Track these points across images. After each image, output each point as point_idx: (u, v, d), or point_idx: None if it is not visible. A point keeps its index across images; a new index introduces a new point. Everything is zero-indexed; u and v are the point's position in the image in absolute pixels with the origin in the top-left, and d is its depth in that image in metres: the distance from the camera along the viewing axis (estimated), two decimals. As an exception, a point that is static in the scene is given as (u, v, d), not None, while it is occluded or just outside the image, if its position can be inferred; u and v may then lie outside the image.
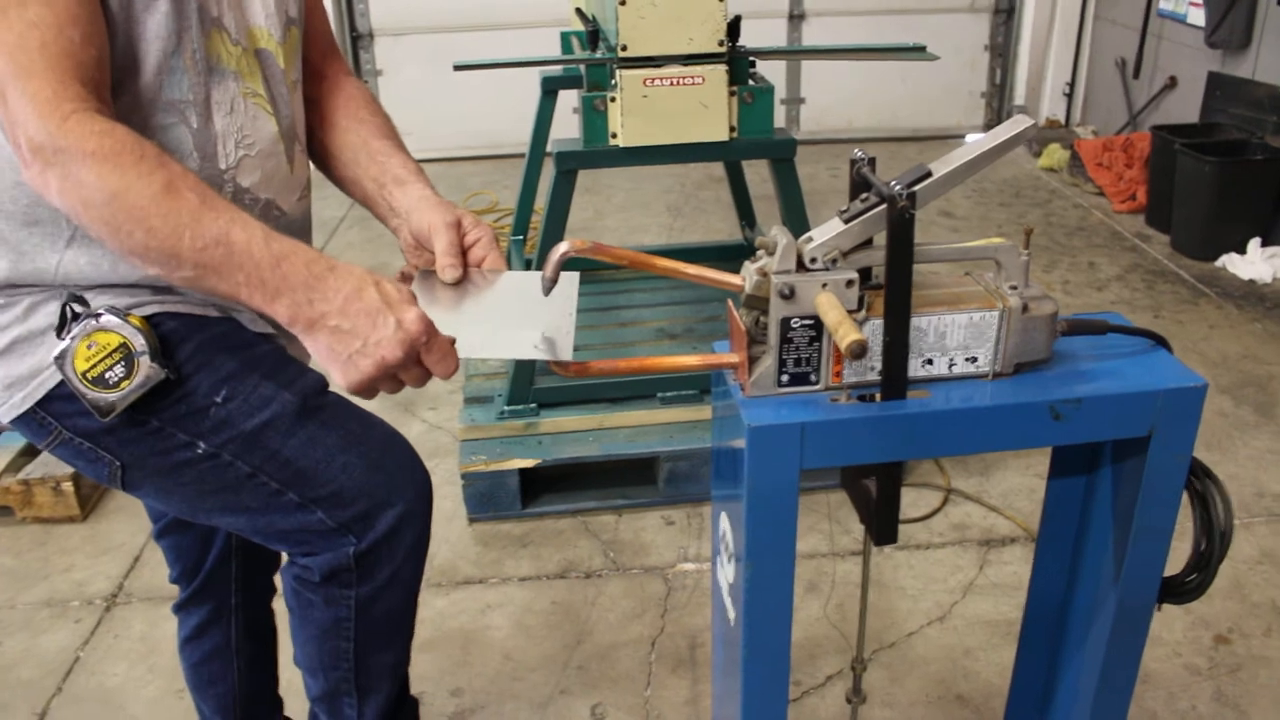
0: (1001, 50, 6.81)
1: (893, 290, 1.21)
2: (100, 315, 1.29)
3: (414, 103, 6.39)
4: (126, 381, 1.30)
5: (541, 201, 4.07)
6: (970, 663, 2.51)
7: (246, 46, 1.39)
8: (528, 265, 3.79)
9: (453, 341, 1.25)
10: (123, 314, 1.30)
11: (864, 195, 1.26)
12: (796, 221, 2.97)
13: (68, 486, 3.06)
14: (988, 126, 6.96)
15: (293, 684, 1.87)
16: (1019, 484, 3.20)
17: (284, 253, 1.19)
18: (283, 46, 1.46)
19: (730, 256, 3.88)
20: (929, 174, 1.25)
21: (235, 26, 1.37)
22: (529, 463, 2.99)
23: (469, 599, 2.77)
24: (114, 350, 1.29)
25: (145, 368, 1.30)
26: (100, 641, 2.66)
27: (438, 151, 6.43)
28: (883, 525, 1.40)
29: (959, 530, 3.00)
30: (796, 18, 6.57)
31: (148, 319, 1.34)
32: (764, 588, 1.31)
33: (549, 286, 1.27)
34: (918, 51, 3.07)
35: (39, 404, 1.36)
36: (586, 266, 3.76)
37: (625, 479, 3.12)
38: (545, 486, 3.12)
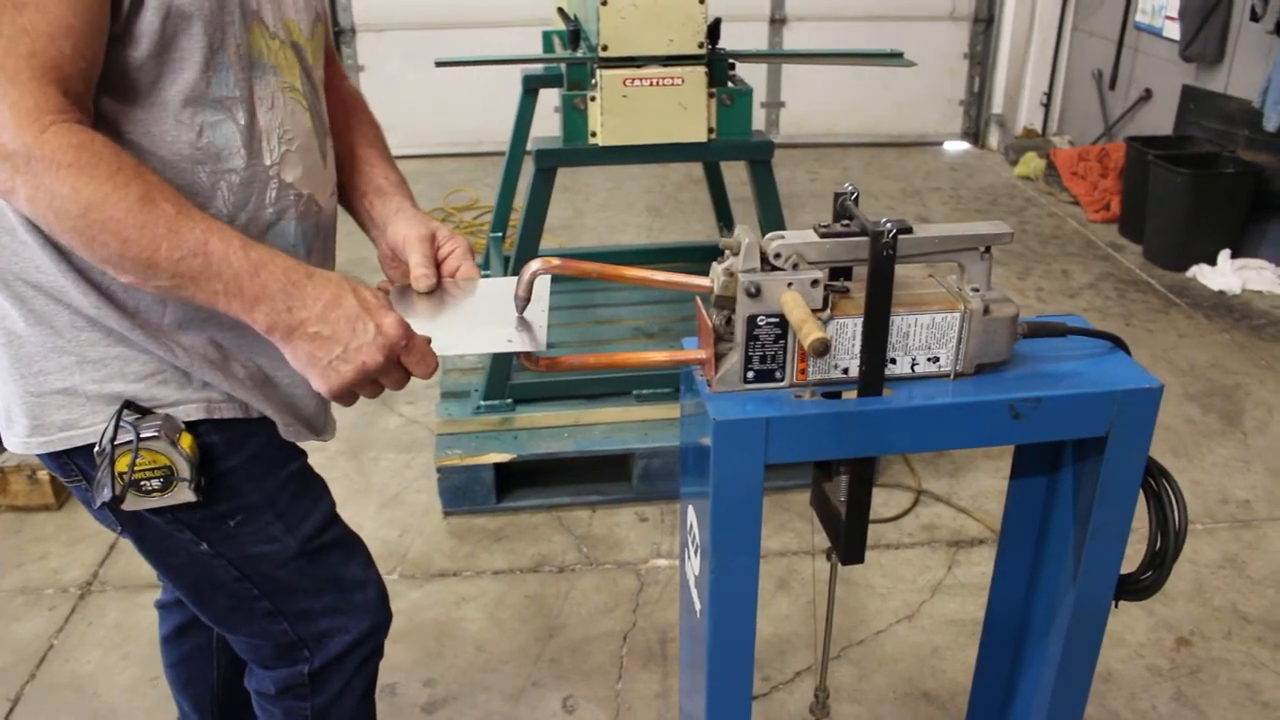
0: (980, 59, 6.87)
1: (871, 320, 1.25)
2: (155, 438, 1.31)
3: (395, 99, 6.40)
4: (159, 495, 1.34)
5: (521, 199, 4.10)
6: (937, 661, 2.54)
7: (284, 40, 1.38)
8: (506, 261, 3.81)
9: (429, 341, 1.27)
10: (176, 436, 1.33)
11: (845, 222, 1.29)
12: (773, 223, 3.00)
13: (43, 475, 3.06)
14: (966, 134, 7.03)
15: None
16: (989, 486, 3.24)
17: (262, 261, 1.20)
18: (311, 42, 1.46)
19: (709, 257, 3.88)
20: (911, 229, 1.28)
21: (273, 20, 1.36)
22: (504, 457, 3.01)
23: (443, 591, 2.79)
24: (158, 468, 1.33)
25: (181, 491, 1.35)
26: (74, 629, 2.67)
27: (418, 148, 6.44)
28: (850, 546, 1.43)
29: (929, 531, 3.04)
30: (778, 22, 6.62)
31: (193, 425, 1.37)
32: (729, 581, 1.34)
33: (522, 305, 1.31)
34: (895, 58, 3.11)
35: (65, 452, 1.39)
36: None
37: (600, 475, 3.15)
38: (520, 481, 3.15)
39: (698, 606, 1.45)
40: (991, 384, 1.34)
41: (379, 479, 3.29)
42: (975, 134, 7.02)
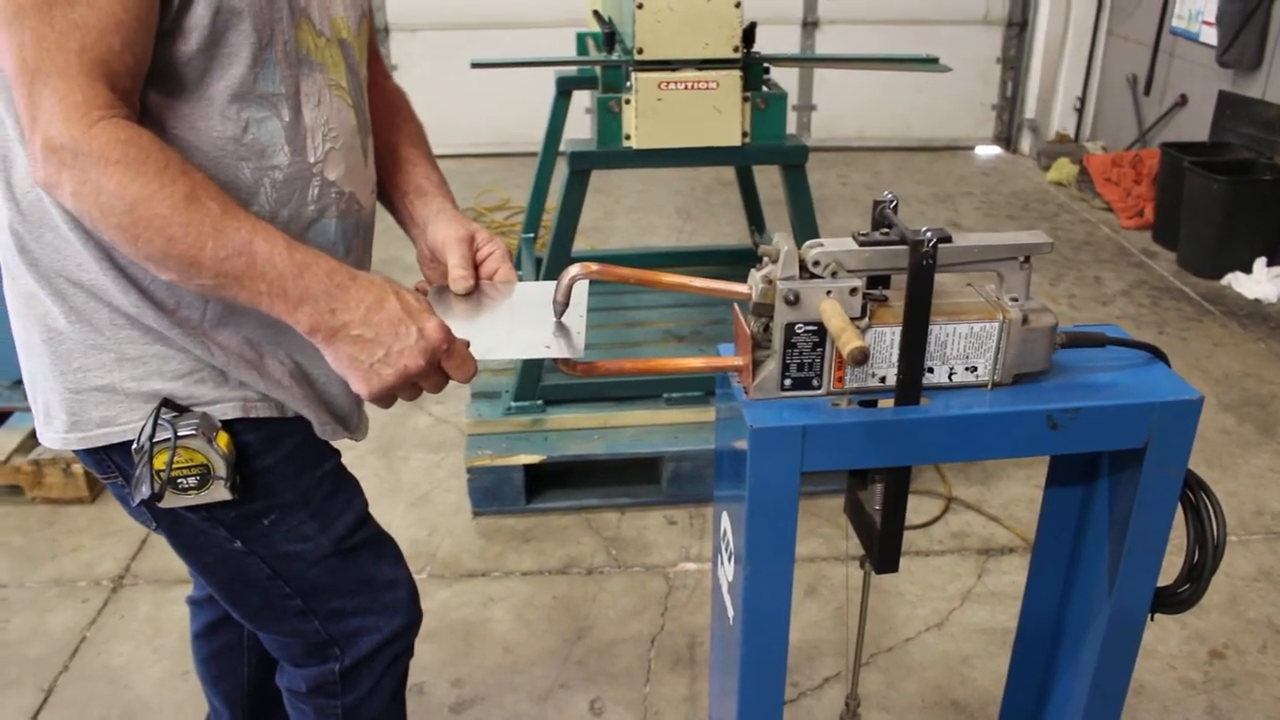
0: (1013, 63, 6.83)
1: (910, 330, 1.24)
2: (193, 436, 1.32)
3: (427, 99, 6.33)
4: (195, 493, 1.35)
5: (553, 200, 4.11)
6: (967, 670, 2.53)
7: (330, 37, 1.38)
8: (538, 263, 3.81)
9: (468, 345, 1.28)
10: (213, 434, 1.34)
11: (884, 230, 1.29)
12: (806, 228, 2.99)
13: (77, 468, 3.09)
14: (998, 139, 6.99)
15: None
16: (1019, 494, 3.22)
17: (306, 262, 1.20)
18: (358, 39, 1.45)
19: (739, 261, 3.91)
20: (950, 239, 1.27)
21: (320, 17, 1.36)
22: (534, 459, 3.02)
23: (471, 591, 2.80)
24: (195, 466, 1.34)
25: (217, 489, 1.36)
26: (106, 621, 2.70)
27: (450, 148, 6.46)
28: (884, 554, 1.43)
29: (959, 539, 3.02)
30: (810, 25, 6.60)
31: (229, 424, 1.38)
32: (763, 587, 1.34)
33: (561, 310, 1.31)
34: (930, 63, 3.10)
35: (102, 448, 1.40)
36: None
37: (629, 477, 3.16)
38: (550, 482, 3.15)
39: (731, 612, 1.45)
40: (1029, 394, 1.33)
41: (409, 478, 3.30)
42: (1007, 139, 6.98)
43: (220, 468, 1.35)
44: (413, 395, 1.29)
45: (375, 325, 1.22)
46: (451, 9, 6.31)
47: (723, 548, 1.49)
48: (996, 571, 2.88)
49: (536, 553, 2.95)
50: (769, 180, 4.23)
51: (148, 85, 1.21)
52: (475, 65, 2.98)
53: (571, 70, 3.66)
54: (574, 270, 1.30)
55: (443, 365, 1.25)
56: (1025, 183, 6.23)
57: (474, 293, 1.44)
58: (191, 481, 1.34)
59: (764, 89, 2.91)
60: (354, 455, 3.35)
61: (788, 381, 1.29)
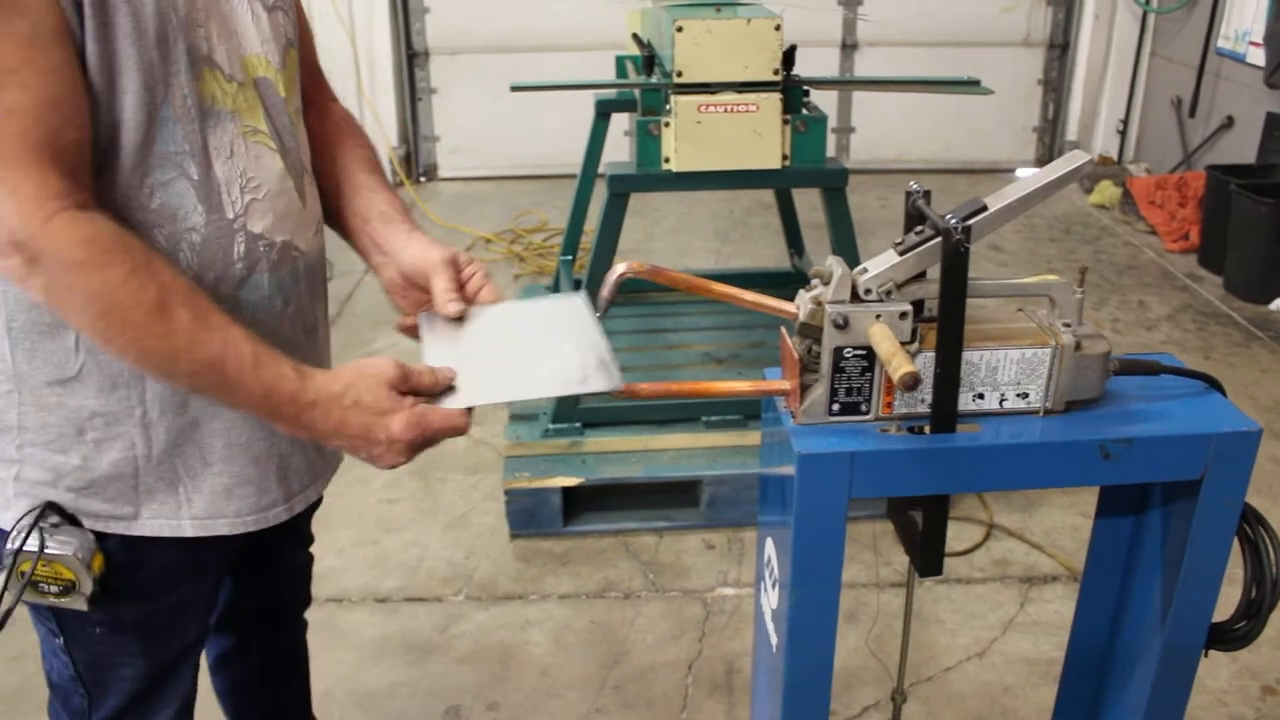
0: (1055, 85, 6.78)
1: (946, 324, 1.22)
2: (67, 554, 1.27)
3: (466, 122, 6.50)
4: (52, 598, 1.30)
5: (592, 222, 4.12)
6: (1009, 700, 2.49)
7: (243, 80, 1.28)
8: (576, 285, 3.81)
9: (453, 392, 1.27)
10: (89, 558, 1.28)
11: (919, 228, 1.27)
12: (846, 251, 2.97)
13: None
14: (1039, 161, 6.93)
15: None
16: (1062, 522, 3.17)
17: (270, 385, 1.18)
18: (282, 73, 1.36)
19: (778, 283, 3.88)
20: (984, 208, 1.26)
21: (229, 60, 1.26)
22: (572, 481, 3.00)
23: (508, 614, 2.78)
24: (62, 579, 1.29)
25: (76, 603, 1.31)
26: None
27: (487, 170, 6.52)
28: (928, 556, 1.40)
29: (1000, 566, 2.98)
30: (849, 47, 6.59)
31: (105, 544, 1.31)
32: (808, 615, 1.32)
33: (605, 306, 1.29)
34: (971, 85, 3.08)
35: None
36: (634, 288, 3.80)
37: (667, 501, 3.13)
38: (587, 505, 3.14)
39: (774, 640, 1.42)
40: (1082, 422, 1.31)
41: (446, 499, 3.30)
42: (1049, 161, 6.91)
43: (87, 586, 1.29)
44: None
45: (348, 438, 1.22)
46: (491, 33, 6.34)
47: (766, 574, 1.46)
48: (1039, 600, 2.83)
49: (574, 576, 2.93)
50: (808, 203, 4.22)
51: None
52: (515, 88, 2.99)
53: (610, 93, 3.67)
54: (621, 268, 1.27)
55: (430, 444, 1.25)
56: (1067, 205, 6.17)
57: (464, 316, 1.38)
58: (54, 589, 1.29)
59: (804, 112, 2.90)
60: (391, 476, 3.37)
61: (835, 406, 1.27)
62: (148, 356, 1.15)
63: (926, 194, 1.30)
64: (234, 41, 1.28)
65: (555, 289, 4.10)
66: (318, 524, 1.79)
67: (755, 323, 3.77)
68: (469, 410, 1.26)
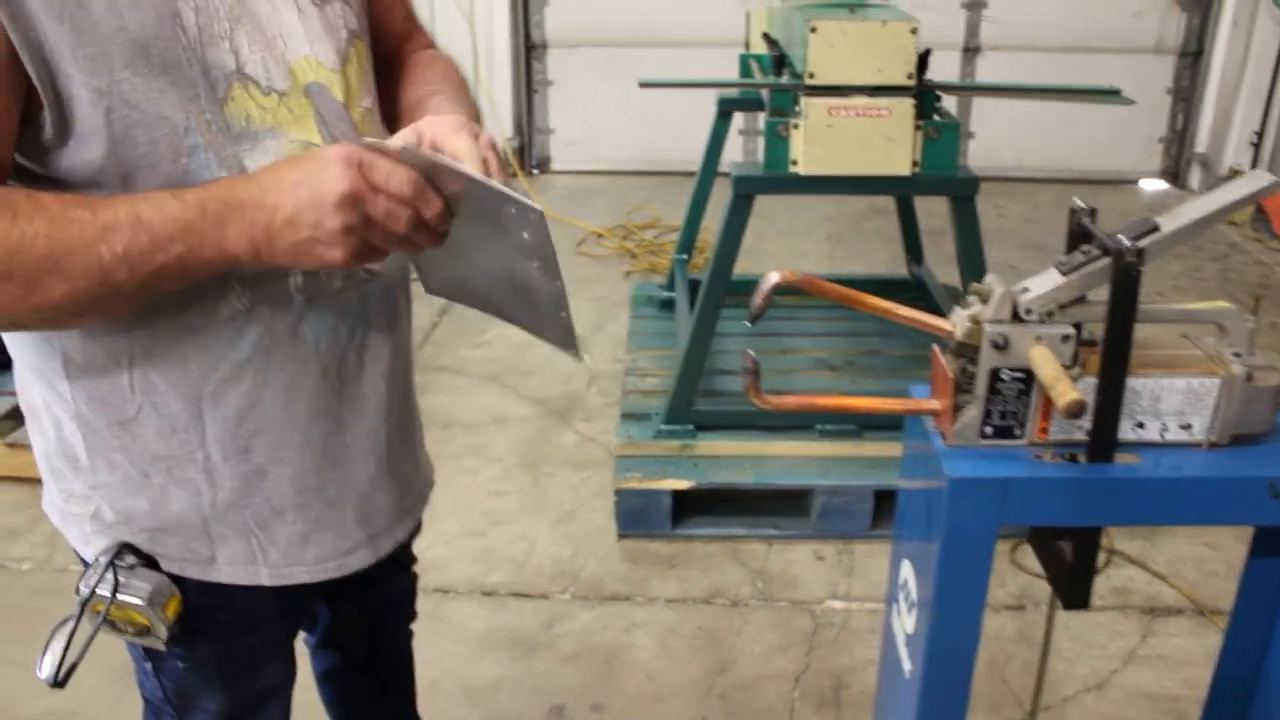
0: (1185, 94, 6.55)
1: (1111, 349, 1.16)
2: (139, 603, 1.25)
3: (581, 115, 6.51)
4: (129, 638, 1.29)
5: (709, 220, 4.09)
6: (1129, 734, 2.40)
7: (286, 89, 1.16)
8: (693, 286, 3.77)
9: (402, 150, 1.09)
10: (164, 602, 1.26)
11: (1085, 247, 1.21)
12: (973, 261, 2.91)
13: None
14: (1165, 173, 6.71)
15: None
16: (1187, 552, 3.05)
17: (203, 195, 1.05)
18: (341, 72, 1.23)
19: (896, 290, 3.82)
20: (1156, 227, 1.20)
21: (266, 70, 1.15)
22: (683, 485, 2.98)
23: (615, 615, 2.77)
24: (136, 623, 1.27)
25: (154, 643, 1.30)
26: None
27: (601, 164, 6.52)
28: (1076, 590, 1.34)
29: (1120, 595, 2.88)
30: (971, 51, 6.45)
31: (183, 586, 1.29)
32: (949, 642, 1.28)
33: (758, 313, 1.25)
34: (1112, 95, 2.99)
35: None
36: (744, 290, 3.76)
37: (777, 508, 3.09)
38: (696, 508, 3.11)
39: (907, 665, 1.38)
40: (1249, 458, 1.24)
41: (554, 495, 3.30)
42: (1175, 173, 6.70)
43: (162, 631, 1.27)
44: (383, 239, 1.08)
45: (287, 191, 1.04)
46: (611, 27, 6.34)
47: (900, 596, 1.42)
48: (1163, 633, 2.73)
49: (681, 580, 2.91)
50: (924, 208, 4.14)
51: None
52: (644, 84, 2.97)
53: (732, 92, 3.64)
54: (774, 276, 1.24)
55: (372, 181, 1.05)
56: (1194, 220, 5.96)
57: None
58: (130, 629, 1.28)
59: (936, 118, 2.83)
60: (500, 469, 3.39)
61: (989, 429, 1.22)
62: (73, 278, 1.02)
63: (1092, 211, 1.25)
64: (275, 48, 1.16)
65: (669, 288, 4.08)
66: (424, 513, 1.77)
67: (868, 330, 3.71)
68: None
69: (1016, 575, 2.89)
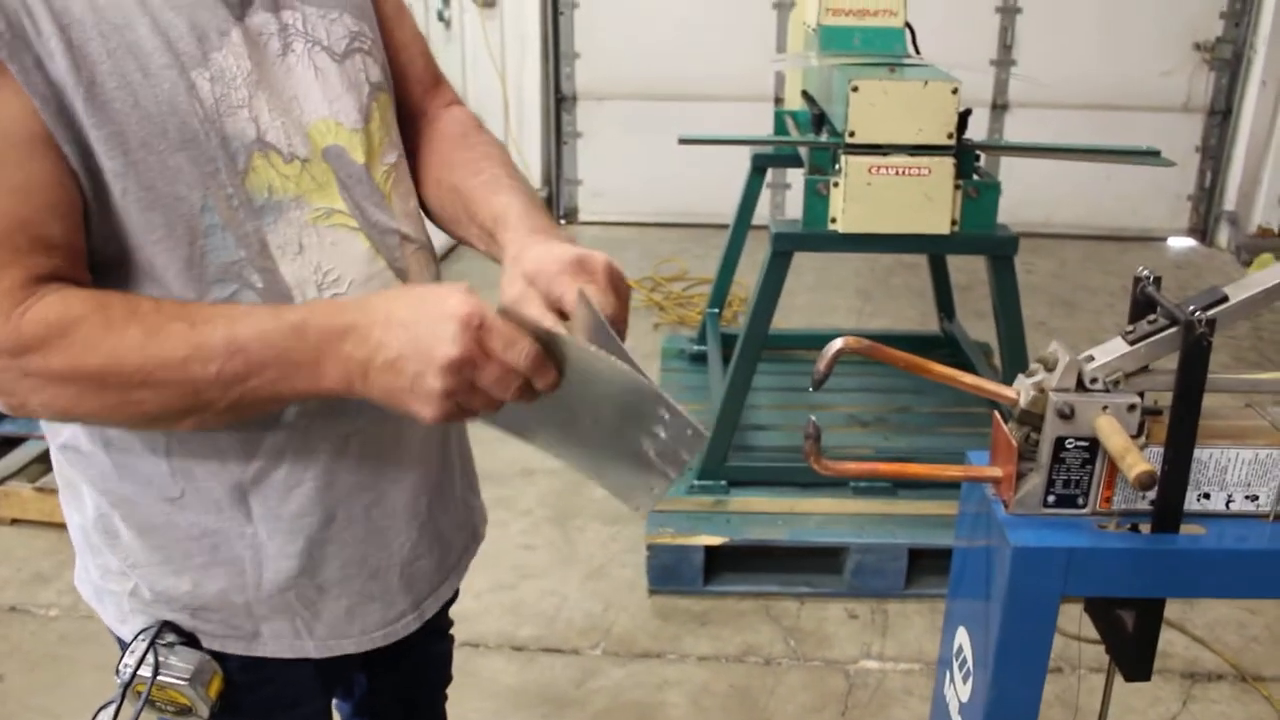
0: (1214, 152, 6.55)
1: (1180, 420, 1.15)
2: (182, 684, 1.22)
3: (610, 167, 6.56)
4: (169, 715, 1.26)
5: (740, 275, 4.10)
6: (1173, 805, 2.35)
7: (307, 156, 1.12)
8: (723, 339, 3.77)
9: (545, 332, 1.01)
10: (206, 680, 1.23)
11: (1151, 317, 1.21)
12: (1012, 323, 2.90)
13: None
14: (1193, 230, 6.70)
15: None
16: (1226, 615, 3.01)
17: (306, 316, 1.01)
18: (362, 132, 1.18)
19: (928, 347, 3.82)
20: (1225, 298, 1.19)
21: (287, 135, 1.10)
22: (715, 540, 2.96)
23: (646, 672, 2.74)
24: (177, 702, 1.24)
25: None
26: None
27: (630, 216, 6.55)
28: (1137, 662, 1.32)
29: (1160, 659, 2.79)
30: (1000, 108, 6.48)
31: (225, 662, 1.26)
32: (1007, 714, 1.25)
33: (821, 379, 1.23)
34: (1150, 156, 2.98)
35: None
36: (778, 344, 3.76)
37: (810, 565, 3.06)
38: (727, 564, 3.08)
39: (963, 736, 1.36)
40: (1316, 530, 1.22)
41: (584, 549, 3.28)
42: (1203, 231, 6.68)
43: (203, 710, 1.24)
44: (484, 402, 1.02)
45: (395, 334, 0.98)
46: (639, 80, 6.40)
47: (954, 663, 1.40)
48: (1204, 699, 2.68)
49: (713, 637, 2.88)
50: (953, 264, 4.13)
51: (111, 285, 1.06)
52: (684, 141, 2.99)
53: (766, 147, 3.66)
54: (838, 344, 1.22)
55: (488, 347, 0.97)
56: (1223, 278, 5.93)
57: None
58: (170, 709, 1.25)
59: (975, 177, 2.84)
60: (529, 522, 3.38)
61: (1051, 498, 1.21)
62: (163, 393, 1.00)
63: (1157, 280, 1.24)
64: (293, 112, 1.12)
65: (700, 342, 4.07)
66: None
67: (900, 387, 3.70)
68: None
69: (1061, 639, 2.85)
